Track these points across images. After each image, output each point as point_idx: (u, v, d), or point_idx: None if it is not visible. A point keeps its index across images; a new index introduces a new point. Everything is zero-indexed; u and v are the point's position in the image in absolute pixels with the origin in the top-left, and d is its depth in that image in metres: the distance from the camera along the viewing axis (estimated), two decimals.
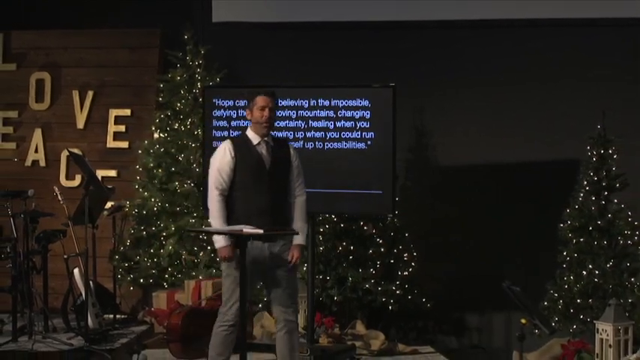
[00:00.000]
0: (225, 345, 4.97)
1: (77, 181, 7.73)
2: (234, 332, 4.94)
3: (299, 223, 4.93)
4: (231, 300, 4.88)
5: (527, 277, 6.44)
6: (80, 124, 7.84)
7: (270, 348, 6.07)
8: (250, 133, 4.92)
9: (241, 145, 4.89)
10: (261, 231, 5.51)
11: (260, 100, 4.87)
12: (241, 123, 6.02)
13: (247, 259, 4.74)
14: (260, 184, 4.83)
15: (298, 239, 4.92)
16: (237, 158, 4.84)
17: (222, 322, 4.95)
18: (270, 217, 4.81)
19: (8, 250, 6.43)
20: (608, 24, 6.84)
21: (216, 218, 4.86)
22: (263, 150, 4.89)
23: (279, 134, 5.92)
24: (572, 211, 5.94)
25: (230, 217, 4.86)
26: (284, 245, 4.89)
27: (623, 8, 6.80)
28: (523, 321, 4.88)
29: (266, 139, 4.91)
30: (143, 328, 6.92)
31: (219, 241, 4.85)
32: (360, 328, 6.44)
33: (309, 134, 5.92)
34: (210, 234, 6.90)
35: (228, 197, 4.86)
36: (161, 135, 7.35)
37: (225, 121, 6.06)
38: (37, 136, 7.86)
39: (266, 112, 4.85)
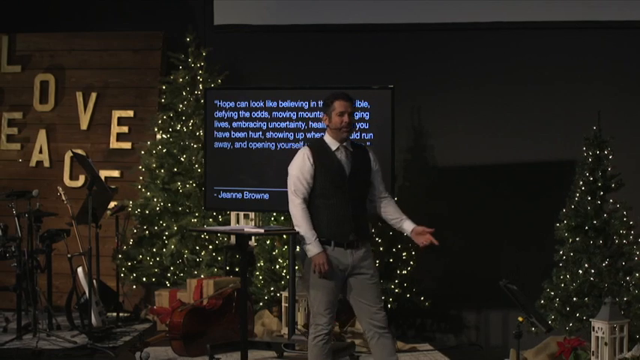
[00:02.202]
0: (325, 356, 4.74)
1: (81, 181, 7.79)
2: (330, 342, 4.76)
3: (401, 215, 4.81)
4: (321, 308, 4.69)
5: (524, 275, 6.46)
6: (84, 126, 7.91)
7: (270, 346, 6.15)
8: (328, 139, 4.75)
9: (320, 151, 4.72)
10: (262, 230, 5.61)
11: (338, 106, 4.70)
12: (242, 124, 6.08)
13: (332, 266, 4.64)
14: (340, 191, 4.68)
15: (412, 224, 4.78)
16: (316, 165, 4.68)
17: (317, 333, 4.73)
18: (352, 223, 4.68)
19: (13, 249, 6.50)
20: (606, 26, 6.88)
21: (302, 226, 4.68)
22: (342, 156, 4.72)
23: (280, 135, 6.01)
24: (569, 211, 5.92)
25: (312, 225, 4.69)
26: (366, 252, 4.74)
27: (620, 11, 6.85)
28: (520, 319, 4.93)
29: (345, 144, 4.74)
30: (146, 326, 7.00)
31: (312, 250, 4.65)
32: (359, 326, 6.50)
33: (309, 135, 5.93)
34: (211, 233, 7.01)
35: (309, 204, 4.70)
36: (163, 136, 7.41)
37: (226, 122, 6.11)
38: (42, 137, 7.93)
39: (345, 118, 4.68)
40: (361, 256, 4.72)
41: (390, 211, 4.85)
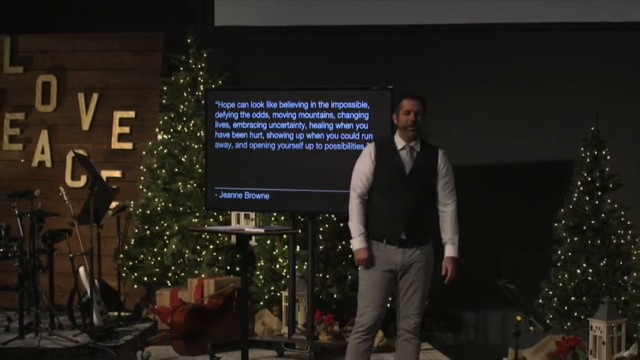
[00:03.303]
0: (357, 355, 4.70)
1: (82, 181, 7.82)
2: (369, 341, 4.72)
3: (449, 234, 4.74)
4: (363, 304, 4.70)
5: (523, 275, 6.49)
6: (85, 126, 7.94)
7: (270, 345, 6.19)
8: (397, 138, 4.72)
9: (384, 148, 4.71)
10: (262, 230, 5.64)
11: (406, 104, 4.68)
12: (243, 125, 6.11)
13: (380, 263, 4.65)
14: (397, 191, 4.63)
15: (450, 251, 4.74)
16: (377, 162, 4.68)
17: (355, 330, 4.74)
18: (405, 225, 4.63)
19: (15, 249, 6.54)
20: (603, 27, 6.91)
21: (352, 221, 4.69)
22: (406, 155, 4.68)
23: (280, 135, 6.05)
24: (567, 211, 5.95)
25: (367, 223, 4.69)
26: (421, 255, 4.69)
27: (618, 12, 6.88)
28: (518, 318, 4.94)
29: (412, 144, 4.69)
30: (147, 325, 7.02)
31: (354, 245, 4.68)
32: None
33: (309, 135, 5.98)
34: (211, 233, 7.04)
35: (368, 202, 4.70)
36: (164, 136, 7.44)
37: (227, 123, 6.14)
38: (44, 138, 7.97)
39: (411, 117, 4.65)
40: (413, 257, 4.67)
41: (442, 228, 4.76)
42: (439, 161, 4.74)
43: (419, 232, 4.70)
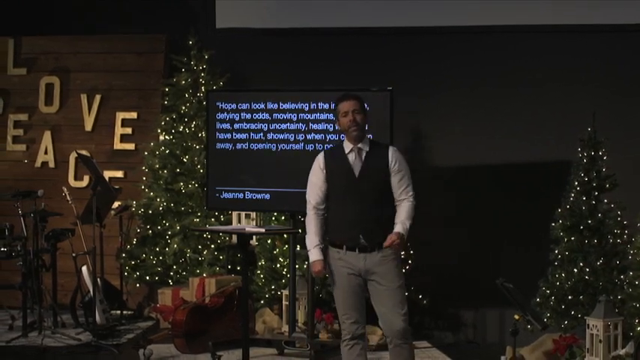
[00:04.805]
0: (353, 358, 4.67)
1: (85, 181, 7.85)
2: (359, 345, 4.68)
3: (400, 217, 4.59)
4: (340, 313, 4.72)
5: (520, 274, 6.51)
6: (88, 127, 7.98)
7: (271, 343, 6.24)
8: (345, 142, 4.71)
9: (333, 155, 4.71)
10: (263, 230, 5.70)
11: (342, 107, 4.66)
12: (244, 125, 6.18)
13: (344, 270, 4.62)
14: (349, 195, 4.60)
15: (398, 228, 4.58)
16: (327, 170, 4.66)
17: (342, 337, 4.75)
18: (361, 227, 4.58)
19: (19, 249, 6.60)
20: (600, 30, 6.95)
21: (307, 232, 4.69)
22: (355, 158, 4.64)
23: (280, 136, 6.10)
24: (564, 211, 5.98)
25: (326, 231, 4.68)
26: (384, 257, 4.60)
27: (615, 14, 6.93)
28: (516, 317, 4.98)
29: (360, 145, 4.65)
30: (149, 323, 7.06)
31: (310, 257, 4.68)
32: None
33: (309, 136, 6.02)
34: (213, 232, 7.10)
35: (327, 209, 4.69)
36: (166, 137, 7.48)
37: (228, 124, 6.19)
38: (47, 139, 8.01)
39: (350, 117, 4.61)
40: (377, 261, 4.61)
41: (395, 218, 4.65)
42: (390, 158, 4.66)
43: (378, 233, 4.61)
